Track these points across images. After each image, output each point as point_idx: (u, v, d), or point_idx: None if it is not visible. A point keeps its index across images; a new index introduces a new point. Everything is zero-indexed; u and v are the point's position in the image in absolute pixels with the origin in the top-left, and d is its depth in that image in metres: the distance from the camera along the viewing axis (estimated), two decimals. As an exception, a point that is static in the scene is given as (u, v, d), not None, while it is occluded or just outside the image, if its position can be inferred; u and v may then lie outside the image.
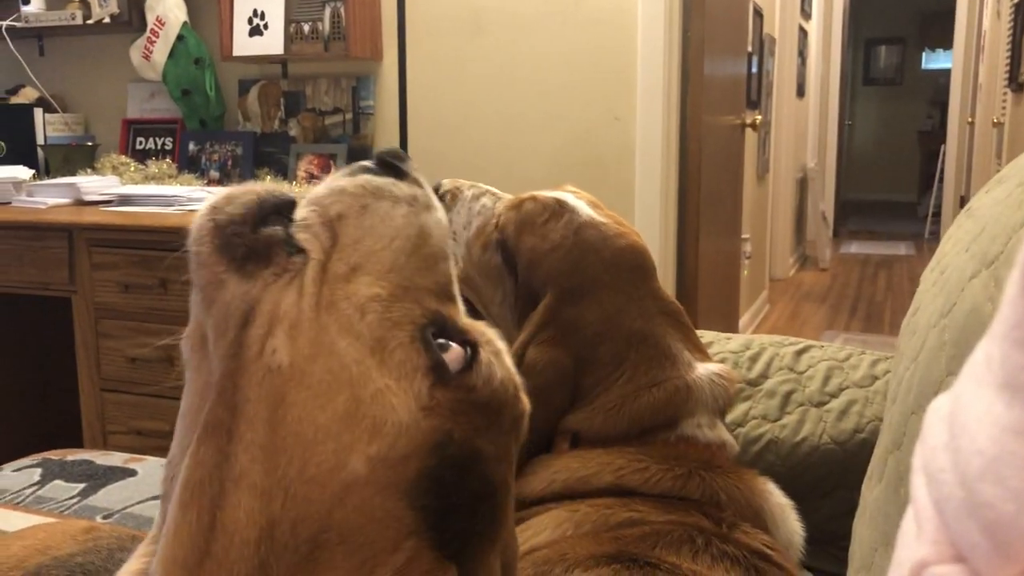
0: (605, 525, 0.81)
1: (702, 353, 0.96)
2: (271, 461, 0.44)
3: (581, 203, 0.99)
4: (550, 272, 0.94)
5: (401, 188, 0.54)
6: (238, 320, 0.47)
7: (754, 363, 1.20)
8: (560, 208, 0.97)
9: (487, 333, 0.53)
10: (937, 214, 8.15)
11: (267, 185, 0.53)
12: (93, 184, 2.61)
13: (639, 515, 0.81)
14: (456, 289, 0.55)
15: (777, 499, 0.88)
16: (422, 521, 0.46)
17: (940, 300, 0.66)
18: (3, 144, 2.98)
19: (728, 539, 0.78)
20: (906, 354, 0.73)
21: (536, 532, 0.83)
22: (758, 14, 4.39)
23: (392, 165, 0.55)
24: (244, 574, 0.43)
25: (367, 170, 0.55)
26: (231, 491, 0.44)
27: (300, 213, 0.52)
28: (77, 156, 2.93)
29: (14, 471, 1.34)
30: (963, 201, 7.19)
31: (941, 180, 7.95)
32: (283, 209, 0.52)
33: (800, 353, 1.21)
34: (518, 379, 0.53)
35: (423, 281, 0.52)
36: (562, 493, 0.86)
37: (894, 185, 11.16)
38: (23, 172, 2.68)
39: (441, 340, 0.49)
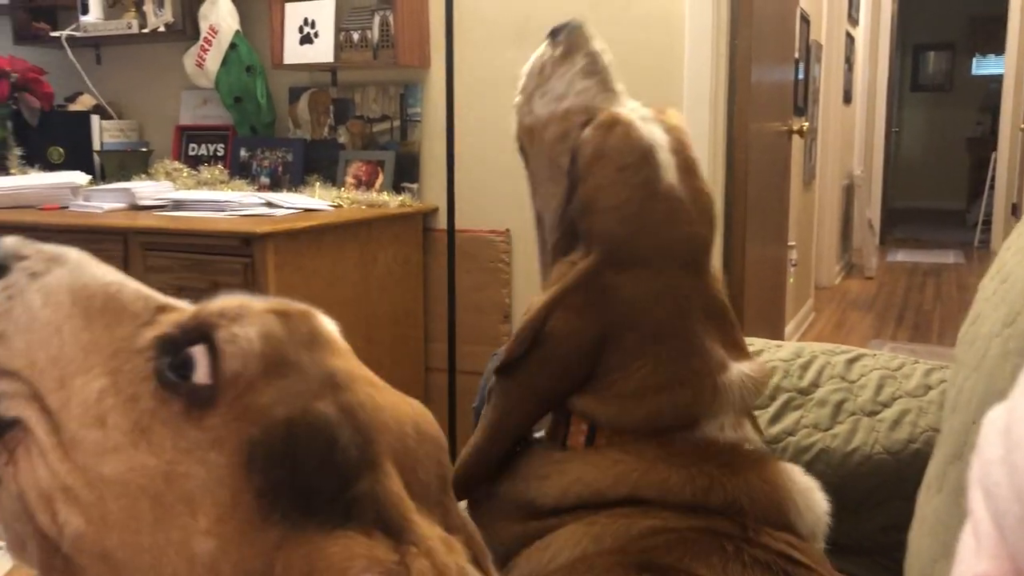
0: (627, 536, 0.78)
1: (739, 351, 0.90)
2: None
3: (671, 161, 0.88)
4: (603, 228, 0.87)
5: (12, 281, 0.48)
6: (25, 520, 0.45)
7: (805, 371, 1.20)
8: (645, 159, 0.87)
9: (212, 306, 0.49)
10: (987, 222, 7.99)
11: None
12: (147, 189, 2.66)
13: (661, 522, 0.78)
14: (147, 292, 0.51)
15: (799, 485, 0.84)
16: (278, 498, 0.44)
17: (1003, 309, 0.65)
18: (62, 150, 3.06)
19: (755, 543, 0.76)
20: (966, 363, 0.73)
21: (555, 554, 0.80)
22: (805, 20, 4.35)
23: None
24: None
25: None
26: None
27: None
28: (132, 162, 2.99)
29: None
30: (1015, 208, 7.05)
31: (991, 188, 7.80)
32: None
33: (852, 362, 1.20)
34: (272, 307, 0.49)
35: (122, 330, 0.48)
36: (577, 504, 0.82)
37: (942, 193, 10.97)
38: (80, 177, 2.74)
39: (188, 352, 0.46)
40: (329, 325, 0.52)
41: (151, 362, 0.46)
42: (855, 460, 1.08)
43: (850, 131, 6.67)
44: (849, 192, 6.81)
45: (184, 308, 0.51)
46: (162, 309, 0.50)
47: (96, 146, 3.08)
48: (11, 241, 0.51)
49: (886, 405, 1.11)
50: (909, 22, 10.15)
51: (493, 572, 0.52)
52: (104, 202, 2.61)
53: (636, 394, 0.84)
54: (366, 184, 2.82)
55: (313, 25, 2.75)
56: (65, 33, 3.09)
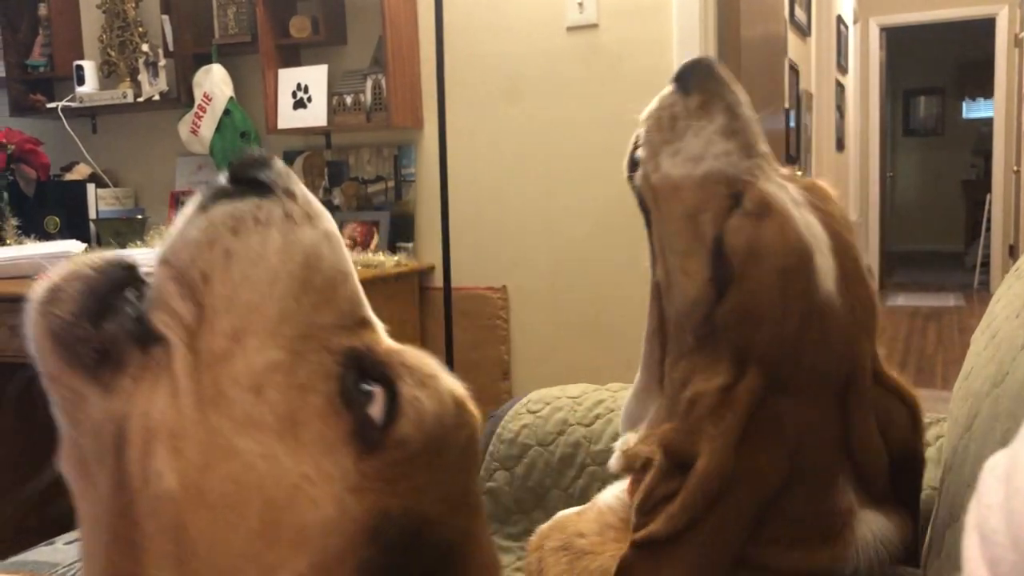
0: None
1: (873, 495, 0.74)
2: None
3: (830, 264, 0.75)
4: (762, 348, 0.73)
5: (268, 209, 0.44)
6: (110, 444, 0.39)
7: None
8: (804, 262, 0.73)
9: (406, 356, 0.45)
10: (986, 264, 8.01)
11: (101, 255, 0.45)
12: (143, 257, 2.66)
13: None
14: (361, 296, 0.47)
15: None
16: None
17: (992, 367, 0.65)
18: (57, 219, 3.07)
19: None
20: (959, 421, 0.72)
21: None
22: (794, 70, 4.41)
23: (251, 179, 0.45)
24: None
25: (222, 194, 0.44)
26: None
27: (152, 281, 0.43)
28: (128, 229, 3.00)
29: (66, 544, 1.35)
30: (1012, 250, 7.07)
31: (988, 230, 7.84)
32: (127, 282, 0.43)
33: (850, 415, 1.18)
34: (455, 395, 0.45)
35: (325, 318, 0.44)
36: None
37: (939, 236, 11.01)
38: (76, 246, 2.75)
39: (364, 386, 0.42)
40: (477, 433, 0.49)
41: (337, 368, 0.42)
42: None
43: (844, 177, 6.72)
44: (846, 238, 6.82)
45: (381, 333, 0.47)
46: (364, 323, 0.46)
47: (92, 214, 3.10)
48: (284, 169, 0.46)
49: (886, 463, 1.09)
50: (898, 68, 10.29)
51: None
52: (100, 270, 2.61)
53: (779, 551, 0.71)
54: (362, 245, 2.83)
55: (306, 90, 2.78)
56: (61, 104, 3.13)
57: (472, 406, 0.47)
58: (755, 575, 0.71)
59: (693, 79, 0.82)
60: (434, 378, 0.45)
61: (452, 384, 0.46)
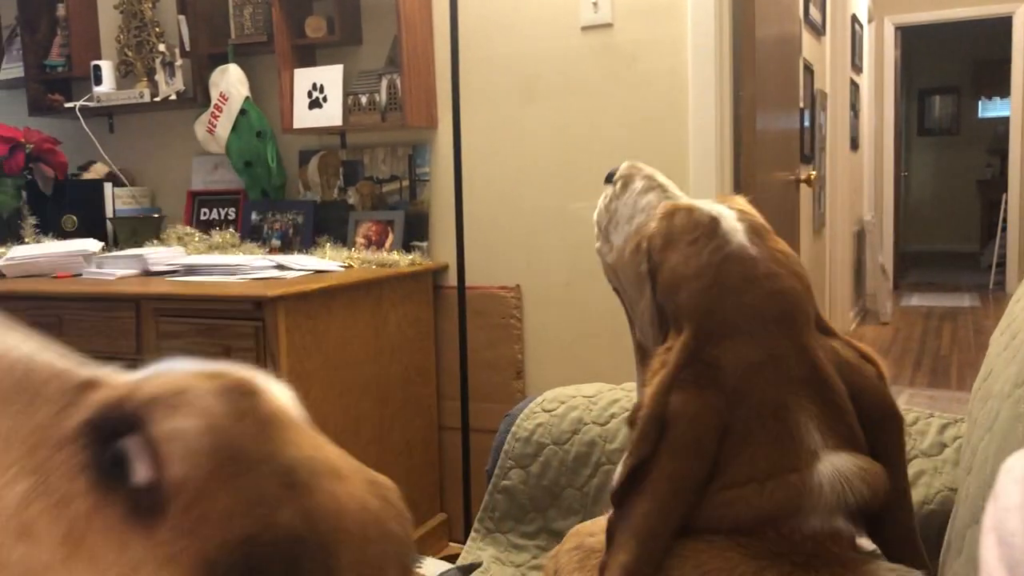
0: None
1: (838, 437, 0.78)
2: None
3: (738, 227, 0.86)
4: (687, 304, 0.83)
5: None
6: None
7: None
8: (711, 229, 0.85)
9: (148, 385, 0.41)
10: (1001, 264, 7.96)
11: None
12: (159, 255, 2.69)
13: None
14: (67, 362, 0.43)
15: None
16: None
17: (1013, 368, 0.64)
18: (75, 218, 3.09)
19: None
20: (980, 423, 0.71)
21: None
22: (808, 70, 4.39)
23: None
24: None
25: None
26: None
27: None
28: (144, 228, 3.02)
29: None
30: (1028, 250, 7.02)
31: (1004, 230, 7.79)
32: None
33: (867, 417, 1.18)
34: (223, 386, 0.41)
35: (41, 414, 0.39)
36: None
37: (954, 235, 10.95)
38: (93, 245, 2.77)
39: (118, 447, 0.38)
40: (279, 391, 0.44)
41: (80, 455, 0.38)
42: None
43: (859, 177, 6.69)
44: (860, 238, 6.80)
45: (113, 381, 0.42)
46: (87, 386, 0.41)
47: (109, 213, 3.12)
48: None
49: (901, 466, 1.09)
50: (913, 67, 10.24)
51: None
52: (116, 269, 2.63)
53: (731, 499, 0.76)
54: (376, 244, 2.83)
55: (322, 90, 2.79)
56: (79, 104, 3.15)
57: (233, 373, 0.42)
58: (704, 540, 0.76)
59: (615, 173, 1.05)
60: (185, 391, 0.40)
61: (214, 379, 0.41)
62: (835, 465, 0.75)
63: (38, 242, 2.98)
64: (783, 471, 0.75)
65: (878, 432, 0.80)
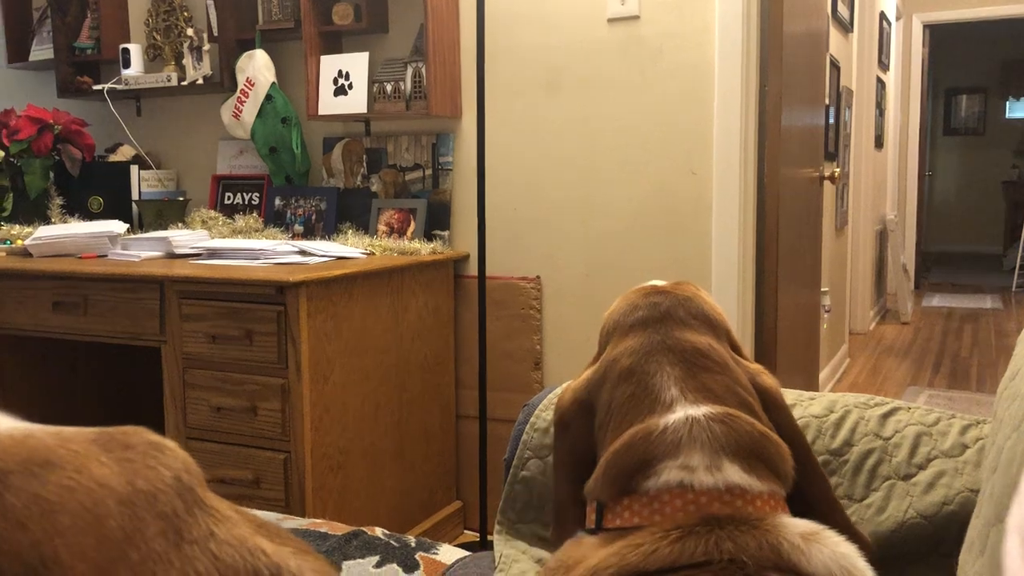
0: None
1: (703, 393, 0.87)
2: None
3: (660, 282, 1.06)
4: (603, 330, 1.02)
5: None
6: None
7: (838, 429, 1.18)
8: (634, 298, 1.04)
9: None
10: (1025, 267, 7.89)
11: None
12: (184, 238, 2.71)
13: None
14: None
15: (794, 533, 0.76)
16: None
17: (1042, 369, 0.64)
18: (101, 199, 3.12)
19: None
20: (1006, 422, 0.71)
21: None
22: (835, 67, 4.36)
23: None
24: None
25: None
26: None
27: None
28: (169, 211, 3.05)
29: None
30: (1052, 253, 6.95)
31: (1028, 232, 7.71)
32: None
33: (886, 417, 1.18)
34: None
35: None
36: None
37: (978, 236, 10.85)
38: (118, 226, 2.80)
39: None
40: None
41: None
42: (888, 526, 1.06)
43: (882, 176, 6.64)
44: (882, 237, 6.75)
45: None
46: None
47: (135, 195, 3.14)
48: None
49: (921, 467, 1.09)
50: (940, 67, 10.14)
51: None
52: (141, 251, 2.65)
53: (603, 464, 0.87)
54: (398, 232, 2.85)
55: (347, 77, 2.80)
56: (107, 86, 3.18)
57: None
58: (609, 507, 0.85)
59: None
60: None
61: None
62: (688, 412, 0.85)
63: (65, 222, 3.01)
64: (646, 415, 0.86)
65: (770, 415, 0.92)
